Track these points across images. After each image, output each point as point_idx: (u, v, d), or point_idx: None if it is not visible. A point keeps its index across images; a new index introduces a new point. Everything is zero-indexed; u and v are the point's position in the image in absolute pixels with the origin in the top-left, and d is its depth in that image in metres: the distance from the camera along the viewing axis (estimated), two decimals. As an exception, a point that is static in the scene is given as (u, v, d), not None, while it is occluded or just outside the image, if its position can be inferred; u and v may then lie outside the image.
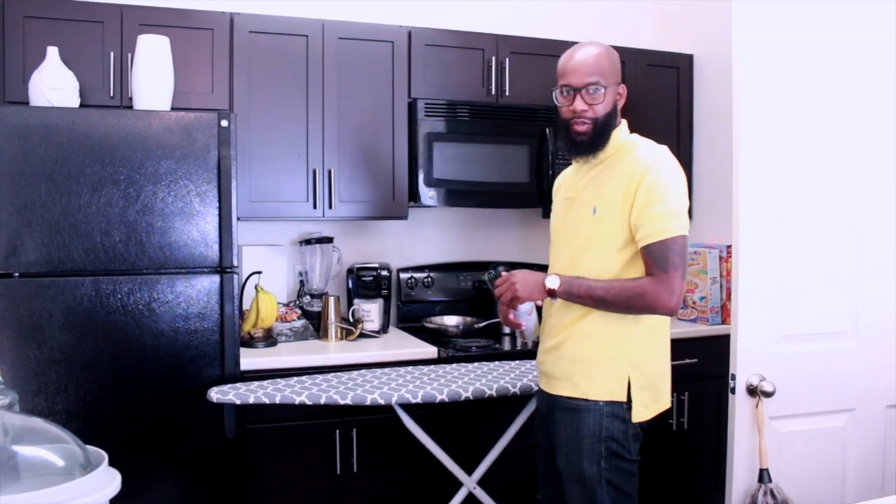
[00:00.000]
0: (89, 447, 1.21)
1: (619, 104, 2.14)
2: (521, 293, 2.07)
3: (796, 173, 2.30)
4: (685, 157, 3.79)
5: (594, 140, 2.10)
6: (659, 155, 2.07)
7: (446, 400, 2.43)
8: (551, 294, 2.06)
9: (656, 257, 1.98)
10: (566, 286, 2.04)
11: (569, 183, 2.26)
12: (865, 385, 2.43)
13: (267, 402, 2.37)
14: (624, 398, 2.04)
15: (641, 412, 2.06)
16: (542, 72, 3.47)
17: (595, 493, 2.04)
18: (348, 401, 2.37)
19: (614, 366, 2.05)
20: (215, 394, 2.41)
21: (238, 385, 2.49)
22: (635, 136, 2.17)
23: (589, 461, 2.04)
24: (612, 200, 2.05)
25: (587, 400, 2.05)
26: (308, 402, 2.37)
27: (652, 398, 2.09)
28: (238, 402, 2.39)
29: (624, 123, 2.17)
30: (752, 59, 2.23)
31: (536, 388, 2.51)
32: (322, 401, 2.37)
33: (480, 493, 2.70)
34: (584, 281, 2.04)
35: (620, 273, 2.05)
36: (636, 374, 2.05)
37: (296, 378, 2.60)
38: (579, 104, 2.08)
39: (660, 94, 3.74)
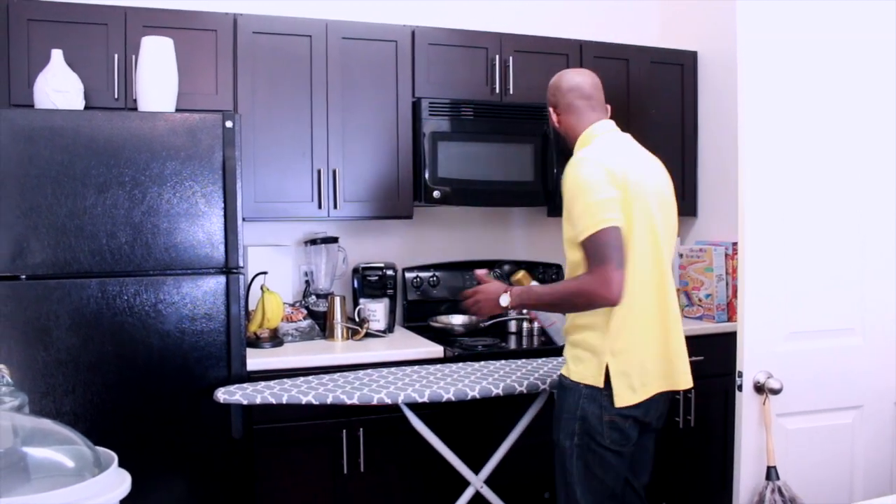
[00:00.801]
0: (99, 448, 1.21)
1: (560, 121, 2.39)
2: (482, 311, 2.37)
3: (802, 170, 2.30)
4: (689, 154, 3.79)
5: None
6: (582, 155, 2.24)
7: (453, 399, 2.43)
8: (505, 309, 2.31)
9: (590, 253, 2.11)
10: (517, 301, 2.30)
11: None
12: (873, 382, 2.42)
13: (274, 402, 2.38)
14: (601, 384, 2.16)
15: (627, 396, 2.16)
16: (546, 70, 3.44)
17: (565, 465, 2.23)
18: (355, 400, 2.38)
19: (595, 354, 2.18)
20: (222, 394, 2.41)
21: (245, 385, 2.49)
22: (593, 141, 2.30)
23: (564, 434, 2.22)
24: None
25: (570, 380, 2.23)
26: (315, 402, 2.37)
27: (639, 382, 2.17)
28: (245, 402, 2.39)
29: (590, 129, 2.32)
30: (757, 57, 2.23)
31: (543, 387, 2.52)
32: (329, 401, 2.37)
33: (487, 492, 2.70)
34: (532, 291, 2.32)
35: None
36: (614, 361, 2.15)
37: (302, 378, 2.60)
38: None
39: (664, 92, 3.73)
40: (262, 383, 2.52)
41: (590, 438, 2.18)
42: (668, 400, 2.32)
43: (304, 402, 2.37)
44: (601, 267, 2.07)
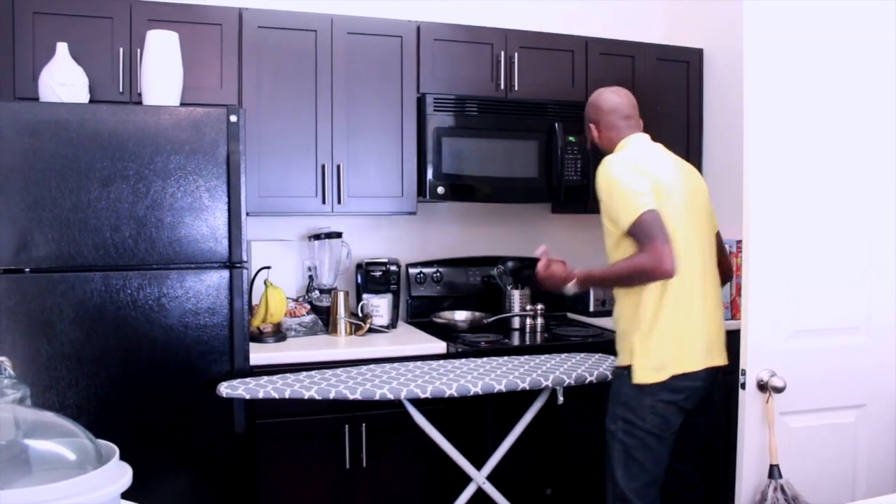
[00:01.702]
0: (100, 441, 1.21)
1: (601, 137, 2.59)
2: (546, 286, 2.55)
3: (807, 168, 2.29)
4: (695, 151, 3.77)
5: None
6: (613, 157, 2.45)
7: (455, 395, 2.43)
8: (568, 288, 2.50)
9: (637, 237, 2.29)
10: (581, 288, 2.53)
11: None
12: (877, 381, 2.41)
13: (276, 396, 2.38)
14: (631, 362, 2.35)
15: (649, 375, 2.31)
16: (551, 66, 3.46)
17: (610, 447, 2.40)
18: (357, 396, 2.38)
19: (627, 335, 2.38)
20: (225, 389, 2.42)
21: (248, 380, 2.50)
22: (632, 148, 2.50)
23: (610, 419, 2.41)
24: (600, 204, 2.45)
25: (619, 368, 2.42)
26: (317, 397, 2.38)
27: (661, 362, 2.32)
28: (248, 396, 2.40)
29: (626, 140, 2.52)
30: (763, 56, 2.22)
31: (545, 384, 2.52)
32: (331, 395, 2.38)
33: (489, 488, 2.70)
34: (592, 276, 2.52)
35: None
36: (638, 340, 2.34)
37: (305, 373, 2.60)
38: None
39: (670, 89, 3.72)
40: (265, 378, 2.52)
41: (630, 424, 2.33)
42: (709, 379, 2.41)
43: (306, 397, 2.38)
44: (651, 243, 2.25)
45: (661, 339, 2.32)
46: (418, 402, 2.59)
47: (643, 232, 2.26)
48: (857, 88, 2.34)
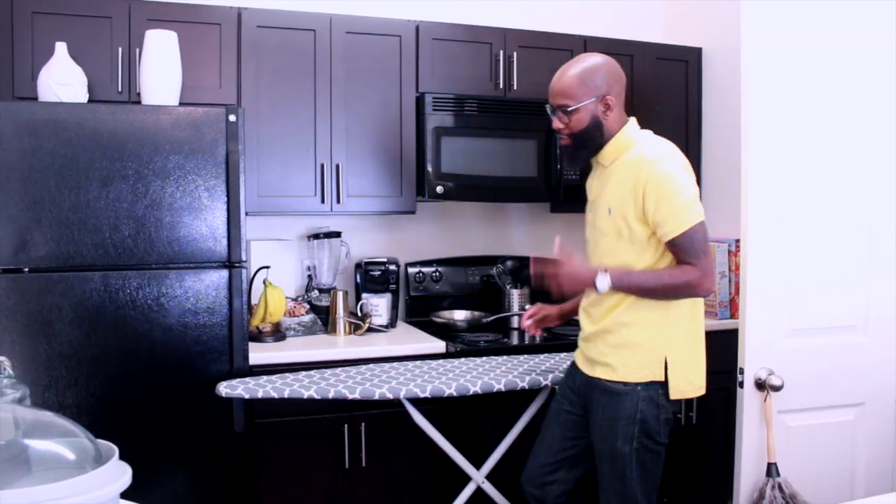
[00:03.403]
0: (100, 441, 1.21)
1: (608, 114, 2.20)
2: (567, 290, 2.18)
3: (805, 167, 2.29)
4: (694, 150, 3.77)
5: (575, 152, 2.27)
6: (661, 151, 2.16)
7: (455, 394, 2.44)
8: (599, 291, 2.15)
9: (685, 248, 2.09)
10: (617, 285, 2.12)
11: (591, 185, 2.36)
12: (875, 379, 2.42)
13: (276, 396, 2.38)
14: (662, 377, 2.15)
15: (683, 388, 2.17)
16: (550, 66, 3.42)
17: (625, 471, 2.17)
18: (357, 395, 2.38)
19: (653, 348, 2.15)
20: (224, 388, 2.42)
21: (247, 379, 2.50)
22: (642, 133, 2.24)
23: (623, 441, 2.16)
24: (623, 199, 2.14)
25: (626, 384, 2.16)
26: (317, 397, 2.38)
27: (689, 379, 2.18)
28: (247, 396, 2.40)
29: (629, 124, 2.25)
30: (761, 55, 2.22)
31: (545, 383, 2.52)
32: (330, 395, 2.38)
33: (489, 488, 2.70)
34: (632, 276, 2.13)
35: (655, 264, 2.16)
36: (673, 354, 2.15)
37: (304, 372, 2.60)
38: (555, 123, 2.25)
39: (668, 88, 3.72)
40: (265, 377, 2.52)
41: (649, 440, 2.17)
42: None
43: (305, 397, 2.38)
44: (704, 259, 2.09)
45: (696, 351, 2.21)
46: (417, 402, 2.59)
47: (695, 245, 2.08)
48: (856, 87, 2.34)
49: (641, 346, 2.16)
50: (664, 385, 2.15)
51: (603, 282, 2.11)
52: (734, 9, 2.45)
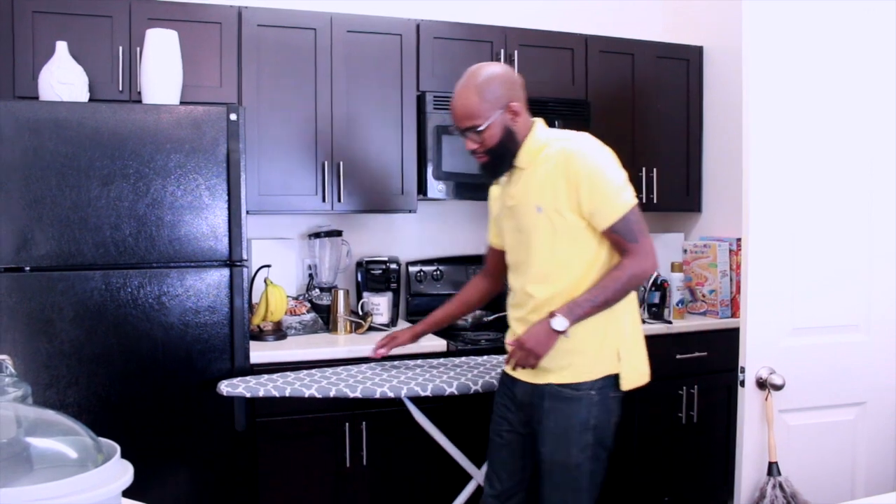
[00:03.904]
0: (102, 439, 1.21)
1: (517, 119, 2.17)
2: (541, 352, 2.08)
3: (807, 166, 2.29)
4: (695, 149, 3.78)
5: (496, 166, 2.23)
6: (582, 142, 2.14)
7: (456, 393, 2.44)
8: (562, 332, 2.06)
9: (623, 233, 2.08)
10: (571, 317, 2.06)
11: (506, 192, 2.28)
12: (876, 379, 2.42)
13: (277, 395, 2.38)
14: (617, 370, 2.15)
15: (633, 378, 2.18)
16: (551, 64, 3.46)
17: (579, 481, 2.15)
18: (358, 394, 2.38)
19: (607, 343, 2.15)
20: (225, 387, 2.42)
21: (248, 378, 2.50)
22: (553, 130, 2.24)
23: (578, 449, 2.13)
24: (554, 194, 2.11)
25: (579, 388, 2.12)
26: (318, 396, 2.38)
27: (637, 368, 2.20)
28: (248, 395, 2.40)
29: (537, 125, 2.23)
30: (763, 53, 2.22)
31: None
32: (332, 394, 2.38)
33: (489, 486, 2.70)
34: (581, 301, 2.07)
35: (595, 254, 2.13)
36: (624, 345, 2.17)
37: (305, 371, 2.60)
38: (468, 144, 2.20)
39: (669, 87, 3.72)
40: (266, 376, 2.53)
41: (600, 448, 2.16)
42: None
43: (306, 396, 2.38)
44: (644, 241, 2.09)
45: (640, 339, 2.23)
46: (419, 401, 2.59)
47: (632, 228, 2.07)
48: (857, 86, 2.34)
49: (595, 344, 2.13)
50: (616, 378, 2.14)
51: (558, 323, 2.04)
52: (735, 7, 2.45)
